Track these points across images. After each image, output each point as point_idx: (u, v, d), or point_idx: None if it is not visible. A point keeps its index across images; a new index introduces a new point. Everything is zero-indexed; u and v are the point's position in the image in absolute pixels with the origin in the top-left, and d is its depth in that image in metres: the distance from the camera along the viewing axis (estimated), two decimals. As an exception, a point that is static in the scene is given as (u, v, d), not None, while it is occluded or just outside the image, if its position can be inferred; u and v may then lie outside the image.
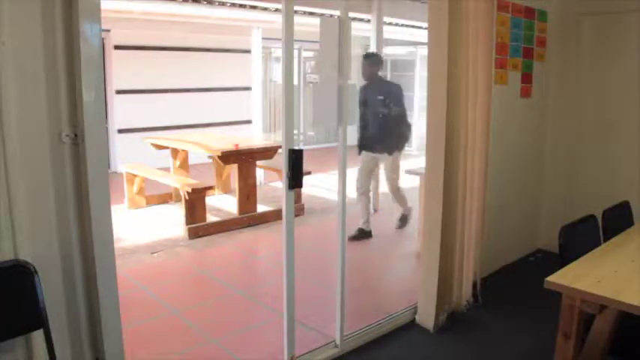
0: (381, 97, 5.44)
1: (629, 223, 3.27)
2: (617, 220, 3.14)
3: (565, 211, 4.41)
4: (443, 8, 3.39)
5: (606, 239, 2.98)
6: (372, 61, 5.68)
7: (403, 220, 6.01)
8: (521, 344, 3.49)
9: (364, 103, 5.52)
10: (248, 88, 9.04)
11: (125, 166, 6.87)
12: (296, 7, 2.77)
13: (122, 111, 9.05)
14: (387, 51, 11.16)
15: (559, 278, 2.33)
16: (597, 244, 2.89)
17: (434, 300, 3.63)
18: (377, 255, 5.56)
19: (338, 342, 3.36)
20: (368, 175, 5.82)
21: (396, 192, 5.83)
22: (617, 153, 4.84)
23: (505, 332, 3.66)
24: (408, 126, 5.82)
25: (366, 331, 3.55)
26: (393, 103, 5.41)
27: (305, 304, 3.59)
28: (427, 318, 3.69)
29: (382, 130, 5.54)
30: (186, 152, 7.19)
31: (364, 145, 5.71)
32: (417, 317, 3.77)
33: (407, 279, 4.59)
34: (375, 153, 5.68)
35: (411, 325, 3.75)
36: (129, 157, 7.91)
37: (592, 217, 2.92)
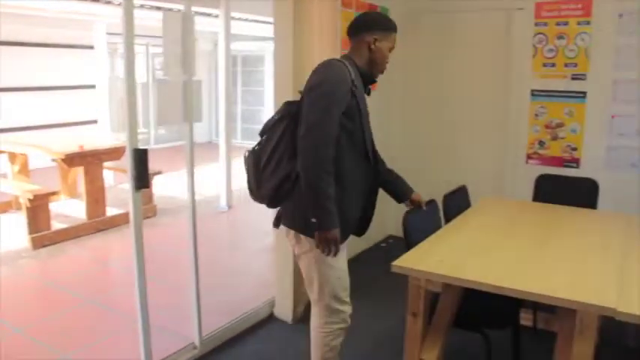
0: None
1: (466, 205, 3.53)
2: (456, 203, 3.38)
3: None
4: (288, 4, 3.43)
5: (447, 221, 3.19)
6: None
7: None
8: (378, 326, 3.66)
9: (361, 122, 2.48)
10: (93, 86, 8.59)
11: (-46, 175, 6.25)
12: (140, 1, 2.65)
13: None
14: (237, 47, 11.13)
15: (404, 262, 2.45)
16: (439, 226, 3.08)
17: (291, 293, 3.68)
18: (233, 251, 5.53)
19: (197, 343, 3.30)
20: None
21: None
22: (455, 142, 5.23)
23: (362, 317, 3.76)
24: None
25: (225, 330, 3.53)
26: None
27: (162, 307, 3.48)
28: (285, 311, 3.74)
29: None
30: (25, 156, 6.69)
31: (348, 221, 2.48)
32: (274, 311, 3.81)
33: (264, 273, 4.61)
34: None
35: (269, 319, 3.79)
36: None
37: (432, 201, 3.09)
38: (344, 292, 2.57)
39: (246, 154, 2.56)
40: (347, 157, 2.36)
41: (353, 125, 2.39)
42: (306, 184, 2.26)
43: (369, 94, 2.56)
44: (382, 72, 2.58)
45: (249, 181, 2.55)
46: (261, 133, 2.51)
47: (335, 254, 2.33)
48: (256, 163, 2.49)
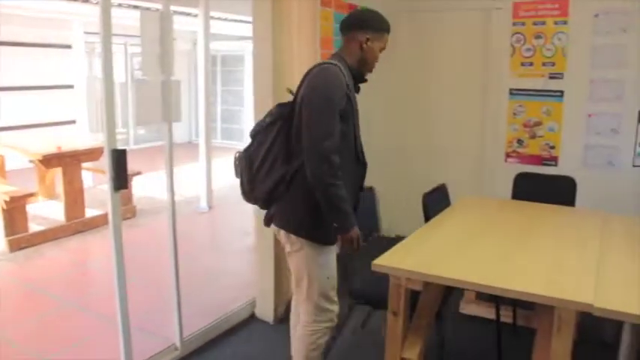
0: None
1: (446, 203, 3.56)
2: (435, 201, 3.40)
3: (395, 197, 4.72)
4: (267, 4, 3.41)
5: (427, 220, 3.21)
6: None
7: None
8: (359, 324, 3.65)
9: (353, 124, 2.48)
10: (71, 86, 8.49)
11: None
12: (118, 0, 2.63)
13: None
14: (217, 46, 11.06)
15: (384, 260, 2.46)
16: (374, 210, 3.19)
17: (272, 293, 3.68)
18: (213, 252, 5.51)
19: (178, 344, 3.28)
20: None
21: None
22: (435, 141, 5.27)
23: (346, 315, 3.80)
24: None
25: (206, 331, 3.51)
26: None
27: (143, 309, 3.47)
28: (266, 311, 3.74)
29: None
30: (2, 157, 6.60)
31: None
32: (256, 311, 3.81)
33: (245, 274, 4.59)
34: None
35: (250, 320, 3.78)
36: None
37: (371, 188, 3.15)
38: (333, 291, 2.57)
39: (237, 155, 2.54)
40: (342, 158, 2.34)
41: (347, 127, 2.38)
42: (320, 192, 2.27)
43: (358, 91, 2.55)
44: (371, 71, 2.58)
45: (242, 183, 2.54)
46: (253, 135, 2.51)
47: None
48: (249, 165, 2.48)
